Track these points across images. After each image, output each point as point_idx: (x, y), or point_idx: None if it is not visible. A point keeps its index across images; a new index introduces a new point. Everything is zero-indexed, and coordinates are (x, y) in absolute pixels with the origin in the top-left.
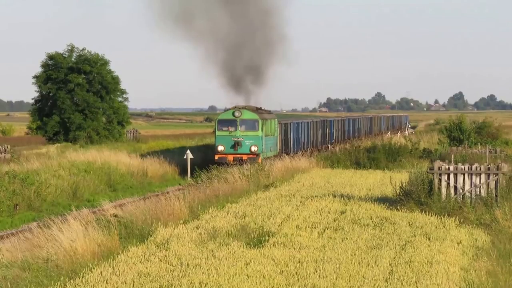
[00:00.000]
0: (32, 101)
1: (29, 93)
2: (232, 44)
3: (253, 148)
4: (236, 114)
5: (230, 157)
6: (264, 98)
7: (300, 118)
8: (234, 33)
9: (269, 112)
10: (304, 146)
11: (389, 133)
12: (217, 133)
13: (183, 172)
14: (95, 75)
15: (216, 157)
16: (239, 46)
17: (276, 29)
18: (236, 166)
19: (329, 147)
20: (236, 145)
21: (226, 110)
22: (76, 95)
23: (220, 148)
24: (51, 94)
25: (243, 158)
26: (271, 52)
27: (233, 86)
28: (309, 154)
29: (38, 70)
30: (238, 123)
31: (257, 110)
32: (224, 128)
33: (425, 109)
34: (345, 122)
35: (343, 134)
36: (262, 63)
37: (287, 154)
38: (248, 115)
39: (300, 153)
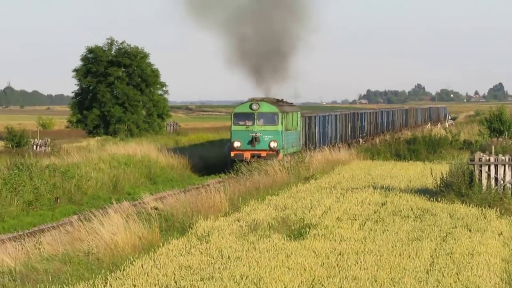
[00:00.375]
0: (72, 94)
1: (69, 86)
2: (255, 31)
3: (272, 144)
4: (254, 107)
5: (247, 154)
6: (304, 91)
7: (335, 111)
8: (257, 19)
9: (291, 104)
10: (332, 140)
11: (429, 124)
12: (233, 127)
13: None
14: (135, 68)
15: (232, 153)
16: (263, 34)
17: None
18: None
19: (360, 141)
20: (253, 140)
21: (242, 103)
22: (116, 88)
23: (237, 144)
24: (91, 88)
25: (262, 155)
26: (296, 41)
27: (254, 77)
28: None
29: (78, 63)
30: (255, 117)
31: (277, 102)
32: (241, 122)
33: (465, 100)
34: (377, 114)
35: (376, 127)
36: (287, 51)
37: (312, 150)
38: (266, 108)
39: (327, 148)
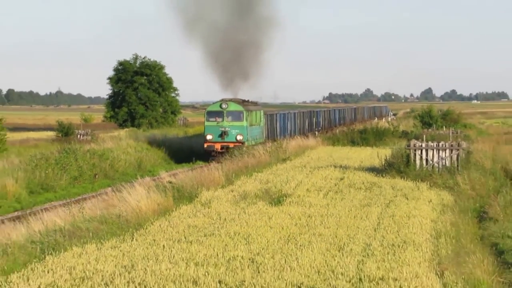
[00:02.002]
0: (107, 96)
1: (104, 90)
2: (227, 45)
3: (239, 137)
4: (223, 106)
5: (218, 145)
6: (281, 92)
7: (301, 109)
8: (229, 34)
9: (255, 104)
10: (291, 133)
11: (376, 119)
12: (206, 123)
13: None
14: (154, 76)
15: (205, 145)
16: (233, 48)
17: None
18: (258, 145)
19: (316, 133)
20: (223, 134)
21: (214, 103)
22: (139, 92)
23: (209, 137)
24: (121, 91)
25: (230, 146)
26: (259, 51)
27: (224, 81)
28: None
29: (111, 73)
30: (225, 114)
31: (243, 102)
32: (212, 119)
33: (403, 100)
34: (331, 112)
35: (329, 122)
36: (250, 60)
37: (274, 141)
38: (234, 107)
39: (297, 137)
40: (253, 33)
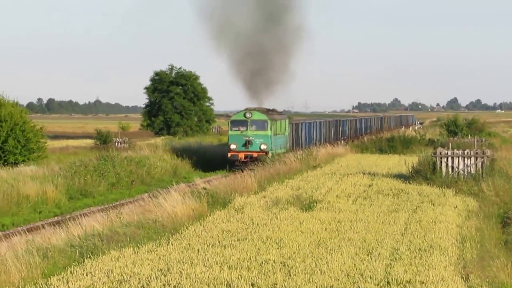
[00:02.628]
0: (143, 105)
1: (141, 100)
2: (249, 55)
3: (263, 146)
4: (247, 115)
5: (242, 155)
6: (312, 101)
7: (329, 118)
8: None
9: (280, 113)
10: (316, 142)
11: (403, 127)
12: (230, 132)
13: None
14: (189, 86)
15: (229, 154)
16: (259, 57)
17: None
18: (294, 151)
19: (342, 142)
20: (247, 143)
21: (238, 112)
22: (175, 101)
23: (233, 146)
24: (157, 101)
25: (254, 155)
26: (283, 64)
27: (249, 92)
28: (337, 145)
29: (147, 83)
30: (249, 124)
31: (268, 111)
32: (236, 128)
33: (429, 110)
34: (357, 121)
35: (356, 131)
36: (275, 72)
37: (299, 150)
38: (258, 116)
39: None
40: (280, 41)
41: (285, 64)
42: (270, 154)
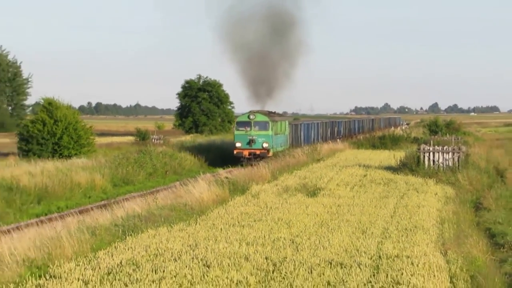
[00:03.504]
0: (176, 108)
1: (173, 103)
2: (254, 64)
3: (265, 145)
4: (251, 117)
5: (246, 152)
6: (317, 105)
7: (328, 119)
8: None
9: (280, 115)
10: (314, 140)
11: (392, 128)
12: (236, 132)
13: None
14: (214, 92)
15: (235, 151)
16: (264, 66)
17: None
18: (298, 147)
19: (338, 140)
20: (250, 142)
21: (243, 114)
22: (202, 105)
23: (238, 144)
24: (187, 104)
25: (257, 153)
26: (283, 74)
27: (254, 97)
28: (337, 142)
29: (179, 89)
30: (252, 124)
31: (269, 113)
32: (241, 128)
33: (415, 113)
34: (351, 122)
35: (350, 131)
36: (277, 79)
37: (297, 147)
38: (260, 117)
39: (330, 142)
40: (283, 53)
41: (287, 73)
42: (271, 152)
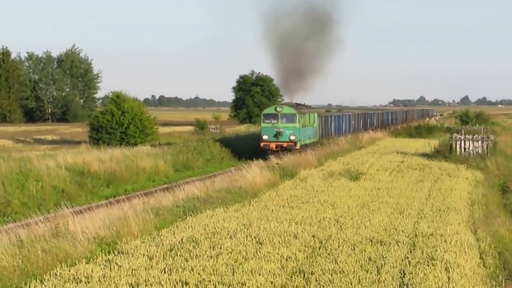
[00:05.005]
0: (231, 101)
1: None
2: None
3: (292, 137)
4: (278, 109)
5: (273, 144)
6: (359, 97)
7: (352, 111)
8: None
9: (309, 107)
10: (346, 132)
11: (427, 118)
12: (262, 125)
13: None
14: (266, 86)
15: (261, 144)
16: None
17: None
18: (341, 136)
19: (370, 131)
20: (277, 134)
21: (270, 107)
22: (255, 98)
23: (265, 137)
24: (241, 97)
25: (284, 145)
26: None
27: (284, 89)
28: (377, 132)
29: (234, 83)
30: (279, 117)
31: (297, 106)
32: (268, 121)
33: (447, 105)
34: (384, 114)
35: (382, 123)
36: (307, 72)
37: (328, 139)
38: (287, 110)
39: (342, 136)
40: (319, 49)
41: (322, 67)
42: (298, 144)
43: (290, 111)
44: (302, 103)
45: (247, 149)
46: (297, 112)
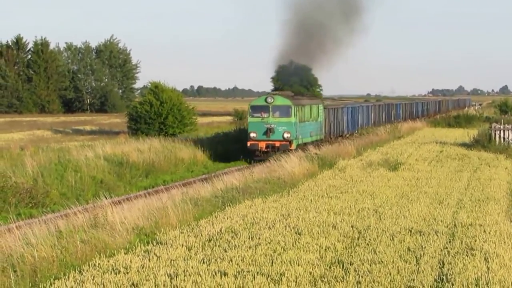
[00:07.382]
0: (270, 91)
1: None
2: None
3: (286, 135)
4: (269, 100)
5: (262, 144)
6: (398, 86)
7: (370, 102)
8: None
9: (312, 97)
10: (363, 126)
11: (466, 108)
12: (250, 119)
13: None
14: (304, 76)
15: (248, 143)
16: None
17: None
18: (381, 125)
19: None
20: (268, 131)
21: (259, 97)
22: (293, 87)
23: (253, 134)
24: (279, 88)
25: (276, 145)
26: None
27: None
28: (417, 122)
29: (272, 73)
30: (270, 109)
31: (294, 95)
32: (257, 114)
33: (486, 94)
34: (412, 104)
35: (411, 114)
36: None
37: (340, 136)
38: (280, 101)
39: (358, 132)
40: (343, 36)
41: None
42: (294, 144)
43: (284, 102)
44: (302, 92)
45: None
46: (293, 103)
